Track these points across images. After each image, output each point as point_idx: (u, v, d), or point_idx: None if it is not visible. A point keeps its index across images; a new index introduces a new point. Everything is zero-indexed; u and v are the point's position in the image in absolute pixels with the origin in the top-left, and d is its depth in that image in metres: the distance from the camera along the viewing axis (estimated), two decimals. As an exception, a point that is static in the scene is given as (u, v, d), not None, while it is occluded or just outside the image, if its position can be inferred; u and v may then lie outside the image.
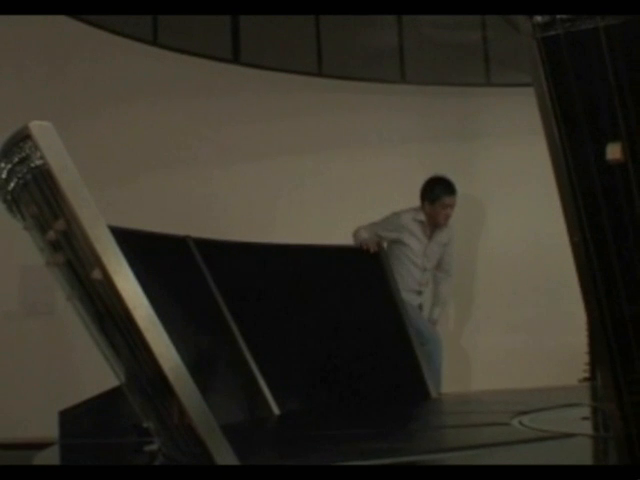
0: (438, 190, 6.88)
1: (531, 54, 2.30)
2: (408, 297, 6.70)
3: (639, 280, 2.30)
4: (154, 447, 3.99)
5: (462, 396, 6.04)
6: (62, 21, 7.02)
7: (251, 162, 7.43)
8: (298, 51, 7.95)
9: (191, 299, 5.38)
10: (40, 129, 3.09)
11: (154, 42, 7.53)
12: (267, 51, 7.81)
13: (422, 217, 6.91)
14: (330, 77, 7.75)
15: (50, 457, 4.40)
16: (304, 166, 7.47)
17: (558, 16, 2.23)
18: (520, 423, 4.57)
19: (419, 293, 6.98)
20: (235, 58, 7.77)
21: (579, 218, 2.34)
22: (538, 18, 2.27)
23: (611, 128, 2.25)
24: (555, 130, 2.32)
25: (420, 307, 6.98)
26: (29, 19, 6.63)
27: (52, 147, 3.07)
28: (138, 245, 5.15)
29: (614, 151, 2.24)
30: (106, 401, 4.75)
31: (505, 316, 7.76)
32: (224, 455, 2.98)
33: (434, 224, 6.91)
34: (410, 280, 6.86)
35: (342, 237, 6.47)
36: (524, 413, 4.87)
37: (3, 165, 3.33)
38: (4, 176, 3.37)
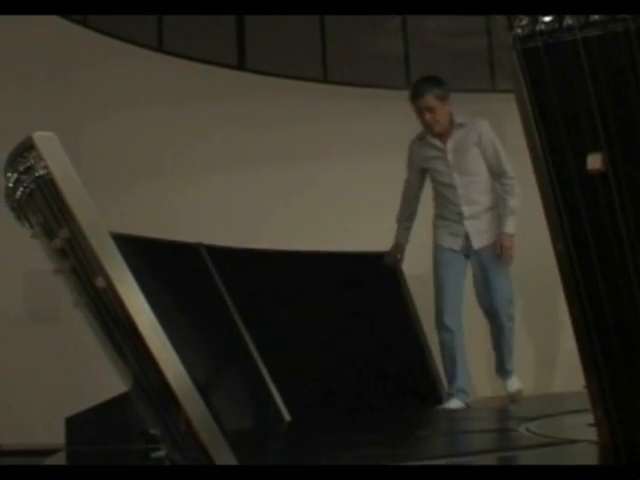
0: (410, 95, 6.00)
1: (512, 66, 2.34)
2: (449, 232, 5.99)
3: (621, 287, 2.31)
4: (161, 454, 3.98)
5: (471, 402, 6.01)
6: (66, 26, 7.04)
7: (256, 168, 7.42)
8: (303, 57, 7.94)
9: (203, 306, 5.38)
10: (43, 139, 3.15)
11: (159, 48, 7.53)
12: (272, 57, 7.81)
13: (423, 133, 6.08)
14: (335, 83, 7.74)
15: (57, 464, 4.39)
16: (310, 172, 7.46)
17: (538, 28, 2.25)
18: (527, 430, 4.56)
19: (460, 220, 5.98)
20: (240, 64, 7.78)
21: (562, 227, 2.36)
22: (518, 31, 2.29)
23: (592, 139, 2.27)
24: (537, 140, 2.35)
25: (466, 237, 5.97)
26: (32, 25, 6.65)
27: (55, 157, 3.13)
28: (150, 252, 5.17)
29: (594, 161, 2.28)
30: (113, 408, 4.75)
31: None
32: (227, 462, 2.99)
33: (432, 133, 5.99)
34: (448, 208, 6.02)
35: (344, 243, 6.43)
36: (532, 419, 4.86)
37: (9, 174, 3.40)
38: (11, 185, 3.43)
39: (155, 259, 5.19)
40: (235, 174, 7.51)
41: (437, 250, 6.06)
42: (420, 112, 5.92)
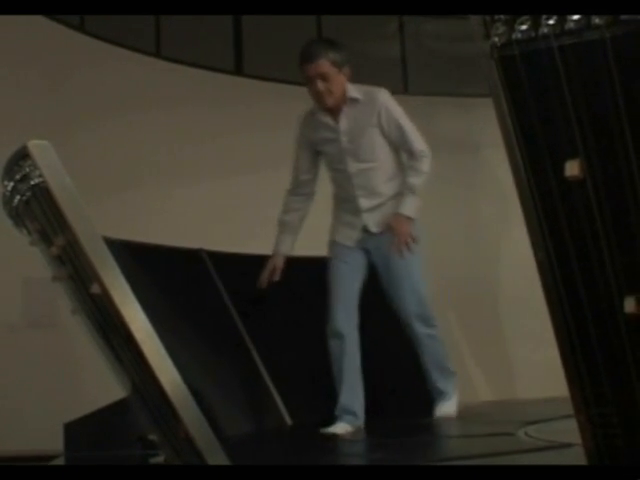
0: (300, 58, 4.98)
1: (490, 74, 2.37)
2: (345, 225, 5.11)
3: (602, 295, 2.34)
4: (160, 459, 3.98)
5: (470, 406, 6.00)
6: (62, 32, 7.04)
7: (254, 173, 7.43)
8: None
9: (204, 311, 5.39)
10: (38, 148, 3.18)
11: (157, 54, 7.54)
12: (270, 62, 7.82)
13: (314, 107, 5.09)
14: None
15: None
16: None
17: (514, 37, 2.29)
18: (526, 434, 4.56)
19: (357, 212, 5.06)
20: (238, 69, 7.79)
21: (542, 235, 2.38)
22: (495, 39, 2.32)
23: (569, 146, 2.29)
24: (516, 148, 2.37)
25: (365, 230, 5.06)
26: (31, 31, 6.66)
27: (50, 165, 3.15)
28: (152, 258, 5.19)
29: (572, 168, 2.28)
30: (112, 413, 4.75)
31: (512, 326, 7.75)
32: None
33: (323, 107, 5.01)
34: (344, 198, 5.12)
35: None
36: (531, 423, 4.86)
37: (6, 182, 3.42)
38: (8, 193, 3.46)
39: (157, 265, 5.21)
40: (234, 179, 7.52)
41: (330, 246, 5.20)
42: (310, 80, 4.93)
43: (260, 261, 5.57)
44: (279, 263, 5.25)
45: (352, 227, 5.10)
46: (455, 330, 7.92)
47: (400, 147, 5.09)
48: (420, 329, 5.15)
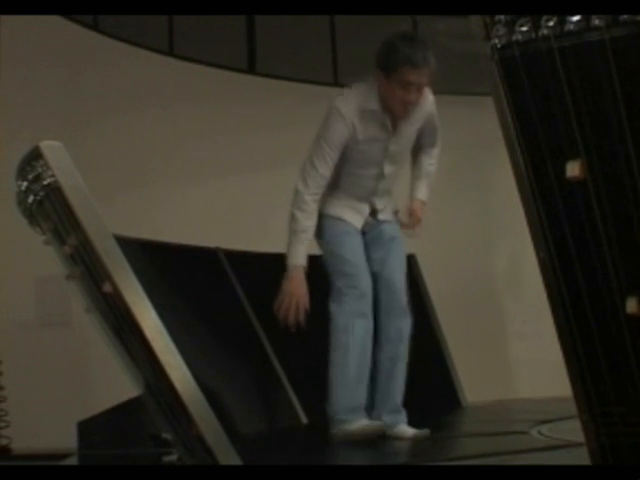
0: (396, 57, 4.38)
1: (491, 75, 2.39)
2: (350, 208, 4.65)
3: (604, 294, 2.35)
4: (173, 458, 3.99)
5: (484, 405, 5.99)
6: (77, 30, 7.06)
7: (267, 171, 7.43)
8: (314, 61, 7.96)
9: (221, 310, 5.39)
10: (50, 149, 3.22)
11: (170, 52, 7.56)
12: (283, 61, 7.83)
13: (374, 104, 4.50)
14: (346, 87, 7.74)
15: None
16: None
17: (514, 38, 2.31)
18: (539, 432, 4.55)
19: (368, 201, 4.71)
20: (251, 68, 7.80)
21: (543, 234, 2.39)
22: (495, 41, 2.35)
23: (570, 147, 2.31)
24: (517, 149, 2.37)
25: (374, 213, 4.71)
26: (43, 29, 6.68)
27: (61, 165, 3.20)
28: (168, 257, 5.19)
29: (573, 169, 2.29)
30: (125, 412, 4.76)
31: (525, 324, 7.74)
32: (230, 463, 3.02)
33: (394, 110, 4.49)
34: (356, 191, 4.66)
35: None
36: (545, 422, 4.85)
37: (20, 182, 3.47)
38: (22, 192, 3.50)
39: (173, 263, 5.22)
40: (246, 177, 7.52)
41: (335, 222, 4.67)
42: (406, 85, 4.40)
43: (276, 259, 5.58)
44: (303, 293, 4.56)
45: (358, 211, 4.72)
46: (462, 327, 7.91)
47: (425, 141, 4.86)
48: (405, 327, 4.68)
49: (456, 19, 7.67)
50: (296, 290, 4.52)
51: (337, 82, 7.81)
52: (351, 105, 4.51)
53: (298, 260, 4.53)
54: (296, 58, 7.89)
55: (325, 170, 4.54)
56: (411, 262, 6.21)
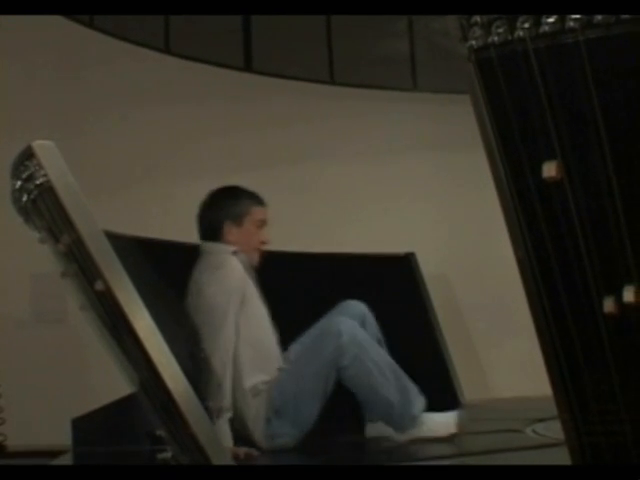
0: (244, 201, 4.94)
1: (469, 77, 2.42)
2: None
3: (581, 293, 2.39)
4: (168, 455, 3.99)
5: (480, 403, 6.00)
6: (72, 28, 7.06)
7: (262, 169, 7.43)
8: (310, 59, 7.95)
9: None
10: (42, 148, 3.24)
11: (166, 50, 7.55)
12: (279, 59, 7.82)
13: (242, 256, 4.81)
14: (342, 85, 7.75)
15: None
16: (316, 173, 7.47)
17: (490, 40, 2.33)
18: (534, 431, 4.56)
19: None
20: (247, 66, 7.79)
21: (521, 234, 2.43)
22: (473, 42, 2.36)
23: (547, 147, 2.34)
24: (495, 150, 2.41)
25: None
26: (38, 27, 6.68)
27: (54, 165, 3.22)
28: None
29: (550, 169, 2.32)
30: (119, 409, 4.76)
31: (520, 322, 7.72)
32: (223, 462, 3.05)
33: (256, 255, 4.87)
34: (262, 360, 4.83)
35: (352, 246, 6.43)
36: (540, 421, 4.86)
37: (14, 181, 3.47)
38: (16, 191, 3.50)
39: (167, 261, 5.22)
40: (243, 176, 7.51)
41: None
42: (260, 224, 4.93)
43: (269, 257, 5.59)
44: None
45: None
46: (459, 325, 7.92)
47: None
48: None
49: (453, 19, 7.68)
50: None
51: (333, 80, 7.81)
52: (228, 261, 4.79)
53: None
54: (292, 56, 7.88)
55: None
56: (411, 261, 6.24)
